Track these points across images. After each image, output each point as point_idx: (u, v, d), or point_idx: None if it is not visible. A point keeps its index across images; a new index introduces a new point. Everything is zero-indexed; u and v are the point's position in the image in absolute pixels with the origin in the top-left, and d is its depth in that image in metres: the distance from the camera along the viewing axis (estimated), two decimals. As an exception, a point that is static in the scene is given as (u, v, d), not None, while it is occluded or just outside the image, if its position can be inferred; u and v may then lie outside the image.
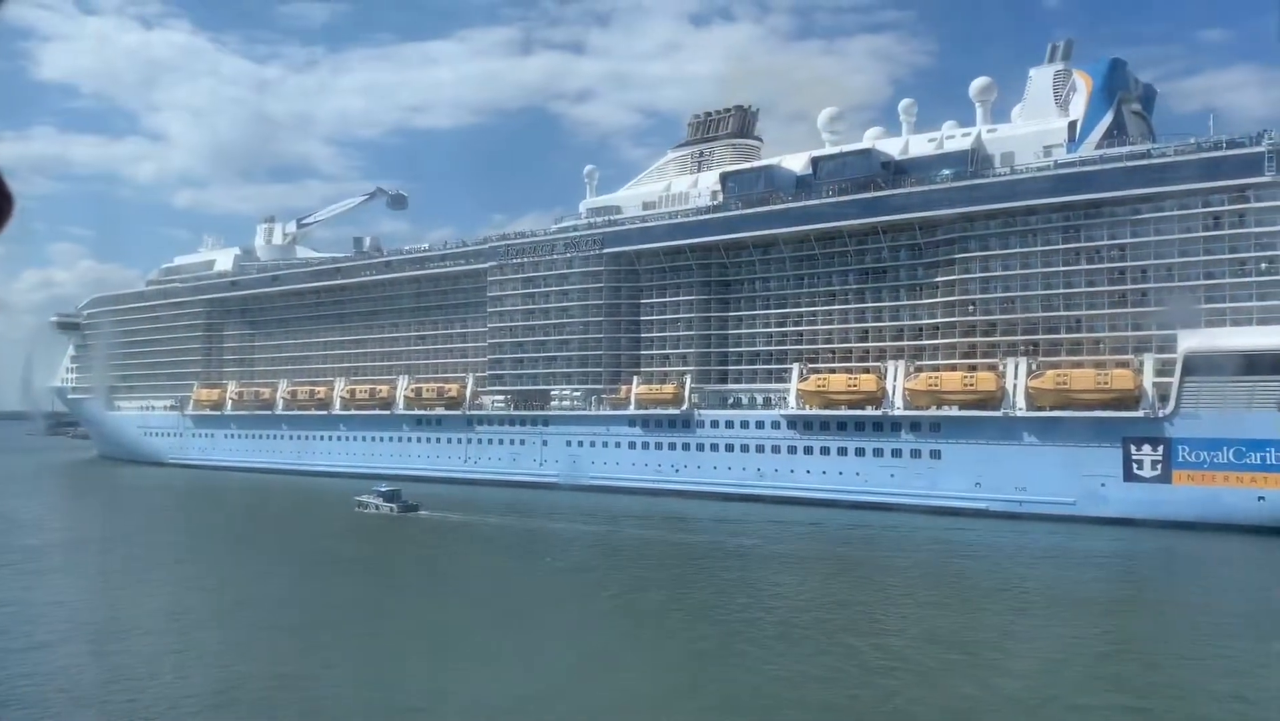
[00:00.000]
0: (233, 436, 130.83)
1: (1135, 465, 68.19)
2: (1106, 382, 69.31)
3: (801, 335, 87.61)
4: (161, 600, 47.64)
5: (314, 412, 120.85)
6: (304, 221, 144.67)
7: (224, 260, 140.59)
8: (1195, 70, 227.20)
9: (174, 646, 38.66)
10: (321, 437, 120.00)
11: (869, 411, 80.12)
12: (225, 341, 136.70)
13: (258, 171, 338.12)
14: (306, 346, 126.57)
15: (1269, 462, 63.74)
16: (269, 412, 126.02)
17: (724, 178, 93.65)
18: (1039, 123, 79.35)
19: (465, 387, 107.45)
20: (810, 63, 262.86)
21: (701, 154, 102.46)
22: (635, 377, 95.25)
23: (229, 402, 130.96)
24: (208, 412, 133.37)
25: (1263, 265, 66.91)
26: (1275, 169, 66.02)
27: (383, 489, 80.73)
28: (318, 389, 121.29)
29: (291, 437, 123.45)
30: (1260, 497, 63.68)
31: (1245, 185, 67.33)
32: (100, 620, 43.77)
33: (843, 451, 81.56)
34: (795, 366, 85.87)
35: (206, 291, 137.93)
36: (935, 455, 76.72)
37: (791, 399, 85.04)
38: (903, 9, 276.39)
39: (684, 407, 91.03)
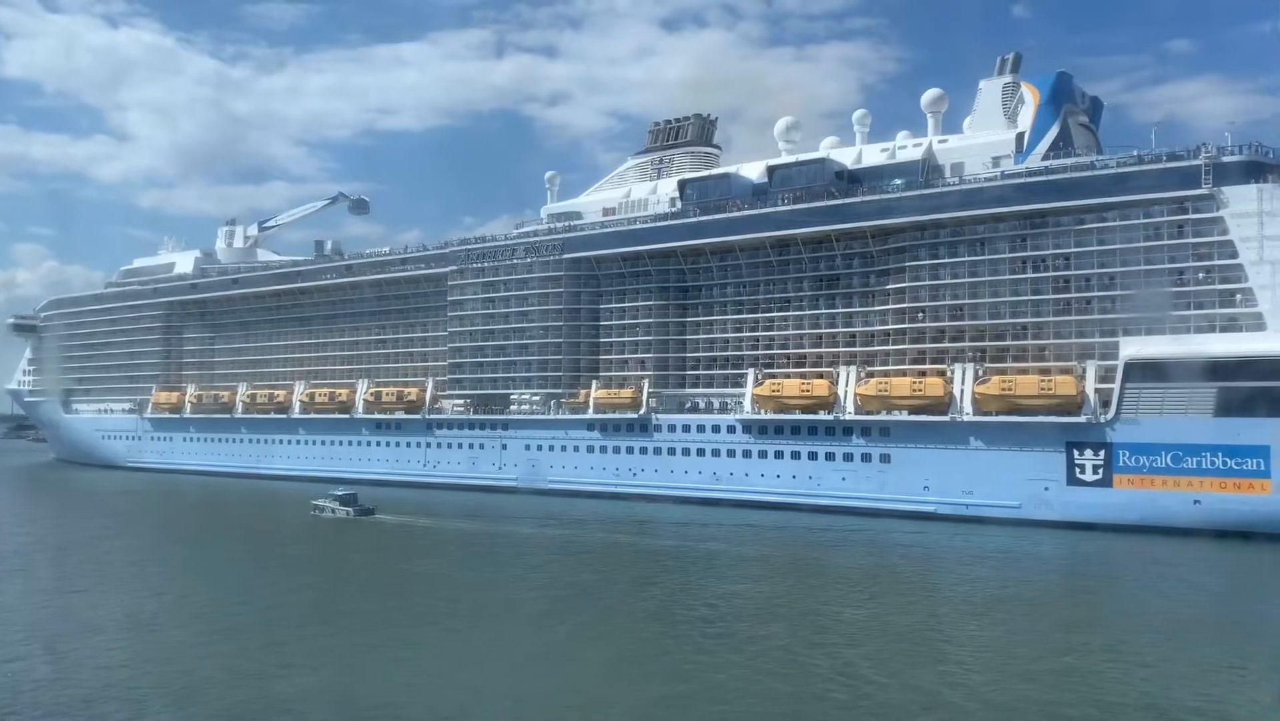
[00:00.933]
0: (191, 439, 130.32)
1: (1078, 469, 69.85)
2: (1050, 389, 70.96)
3: (758, 340, 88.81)
4: (116, 605, 47.31)
5: (273, 416, 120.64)
6: (265, 225, 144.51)
7: (184, 263, 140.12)
8: (1162, 80, 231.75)
9: (129, 651, 38.35)
10: (281, 441, 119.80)
11: (821, 416, 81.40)
12: (185, 344, 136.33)
13: (225, 172, 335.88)
14: (267, 349, 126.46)
15: (1204, 467, 65.55)
16: (228, 416, 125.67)
17: (682, 185, 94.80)
18: (988, 134, 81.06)
19: (425, 391, 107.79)
20: (782, 69, 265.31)
21: (661, 161, 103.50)
22: (594, 382, 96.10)
23: (188, 406, 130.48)
24: (166, 416, 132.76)
25: (1200, 275, 68.81)
26: (1212, 182, 67.96)
27: (339, 492, 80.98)
28: (277, 392, 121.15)
29: (251, 441, 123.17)
30: (1196, 501, 65.45)
31: (1184, 197, 69.23)
32: (54, 626, 43.30)
33: (796, 455, 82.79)
34: (751, 371, 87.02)
35: (166, 294, 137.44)
36: (885, 459, 78.12)
37: (747, 403, 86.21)
38: (873, 17, 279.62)
39: (642, 412, 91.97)
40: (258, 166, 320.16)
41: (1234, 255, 67.35)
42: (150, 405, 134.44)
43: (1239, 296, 67.32)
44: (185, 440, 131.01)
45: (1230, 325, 67.47)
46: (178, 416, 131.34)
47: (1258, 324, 66.30)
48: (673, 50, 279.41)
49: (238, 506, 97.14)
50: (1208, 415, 65.53)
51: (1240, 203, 67.21)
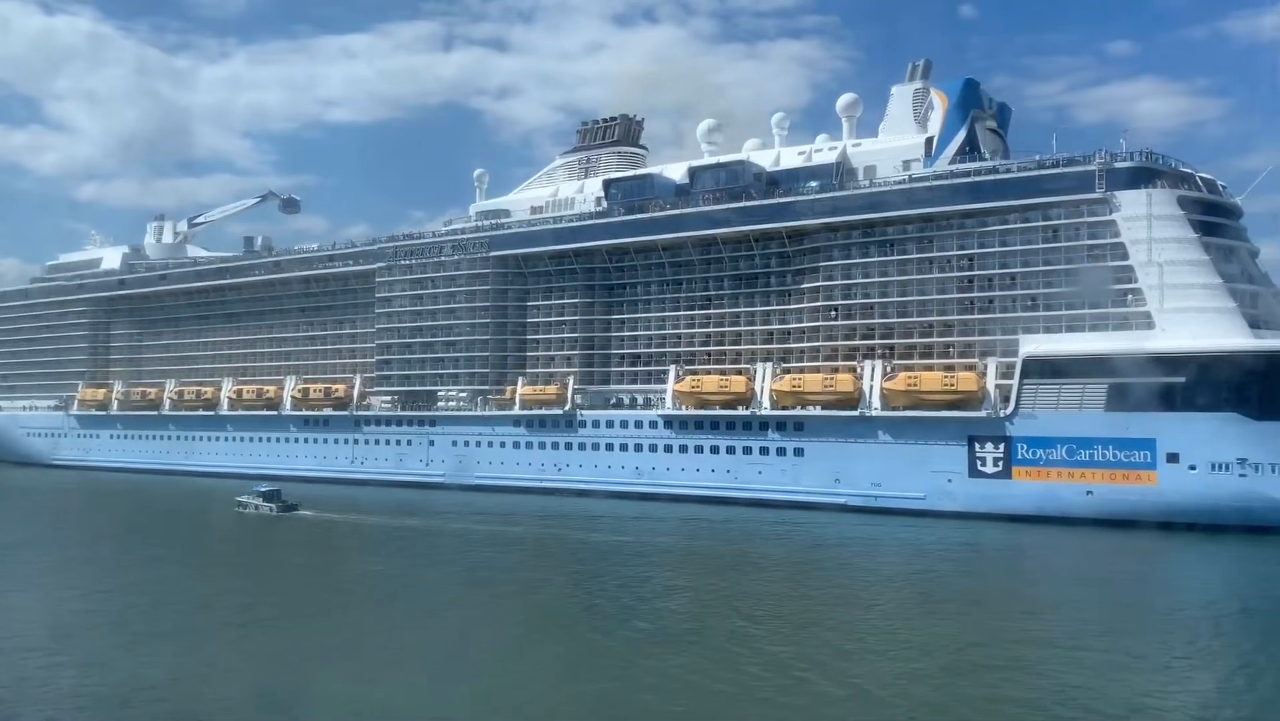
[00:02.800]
0: (118, 437, 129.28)
1: (979, 462, 72.68)
2: (952, 384, 73.74)
3: (680, 338, 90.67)
4: (32, 608, 46.93)
5: (201, 413, 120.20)
6: (195, 221, 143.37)
7: (112, 258, 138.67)
8: (1104, 81, 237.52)
9: (47, 655, 37.32)
10: (208, 438, 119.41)
11: (739, 411, 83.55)
12: (112, 341, 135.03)
13: (166, 165, 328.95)
14: (195, 346, 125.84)
15: (1096, 459, 68.67)
16: (155, 413, 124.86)
17: (607, 184, 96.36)
18: (899, 138, 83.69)
19: (353, 388, 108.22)
20: (733, 66, 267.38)
21: (589, 160, 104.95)
22: (520, 379, 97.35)
23: (115, 402, 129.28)
24: (93, 413, 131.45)
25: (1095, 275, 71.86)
26: (1105, 187, 71.09)
27: (262, 489, 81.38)
28: (205, 389, 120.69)
29: (178, 438, 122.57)
30: (1089, 492, 68.54)
31: (1079, 200, 72.29)
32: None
33: (715, 450, 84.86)
34: (673, 368, 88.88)
35: (93, 290, 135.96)
36: (799, 453, 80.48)
37: (668, 399, 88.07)
38: (825, 14, 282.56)
39: (567, 408, 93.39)
40: (200, 159, 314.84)
41: (1125, 257, 70.47)
42: (76, 402, 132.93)
43: (1130, 296, 70.47)
44: (111, 437, 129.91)
45: (1122, 324, 70.56)
46: (104, 413, 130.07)
47: (1147, 323, 69.42)
48: (624, 45, 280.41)
49: (162, 504, 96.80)
50: (1099, 410, 68.63)
51: (1131, 207, 70.37)
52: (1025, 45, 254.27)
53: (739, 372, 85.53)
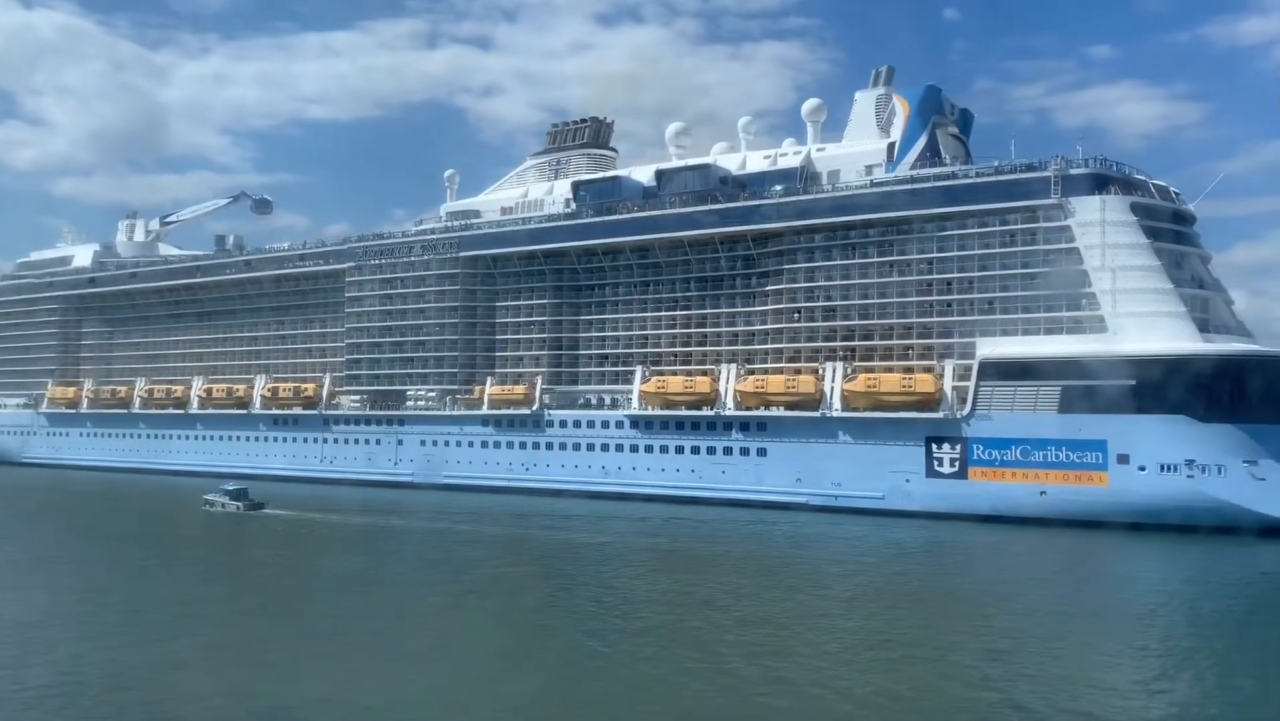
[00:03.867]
0: (88, 435, 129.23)
1: (936, 462, 73.99)
2: (911, 386, 75.02)
3: (646, 339, 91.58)
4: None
5: (171, 411, 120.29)
6: (167, 219, 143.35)
7: (83, 256, 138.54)
8: (1085, 85, 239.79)
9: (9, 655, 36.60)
10: (178, 437, 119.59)
11: (703, 412, 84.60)
12: (82, 339, 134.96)
13: (146, 161, 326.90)
14: (165, 345, 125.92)
15: (1050, 460, 70.08)
16: (125, 411, 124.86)
17: (575, 186, 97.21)
18: (862, 143, 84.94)
19: (322, 387, 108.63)
20: (717, 67, 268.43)
21: (559, 162, 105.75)
22: (489, 378, 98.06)
23: (85, 401, 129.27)
24: (63, 411, 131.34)
25: (1050, 279, 73.26)
26: (1060, 192, 72.54)
27: (229, 487, 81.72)
28: (175, 388, 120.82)
29: (148, 436, 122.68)
30: (1042, 492, 69.91)
31: (1035, 206, 73.74)
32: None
33: (680, 450, 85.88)
34: (639, 369, 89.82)
35: (63, 288, 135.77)
36: (762, 453, 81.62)
37: (634, 400, 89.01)
38: (809, 17, 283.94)
39: (535, 408, 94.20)
40: (180, 155, 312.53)
41: (1080, 262, 71.88)
42: (46, 400, 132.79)
43: (1084, 300, 71.92)
44: (81, 435, 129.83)
45: (1076, 327, 72.02)
46: (74, 412, 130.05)
47: (1100, 326, 70.91)
48: (608, 45, 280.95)
49: (129, 501, 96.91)
50: (1053, 412, 70.06)
51: (1085, 212, 71.85)
52: (1008, 48, 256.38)
53: (704, 374, 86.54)
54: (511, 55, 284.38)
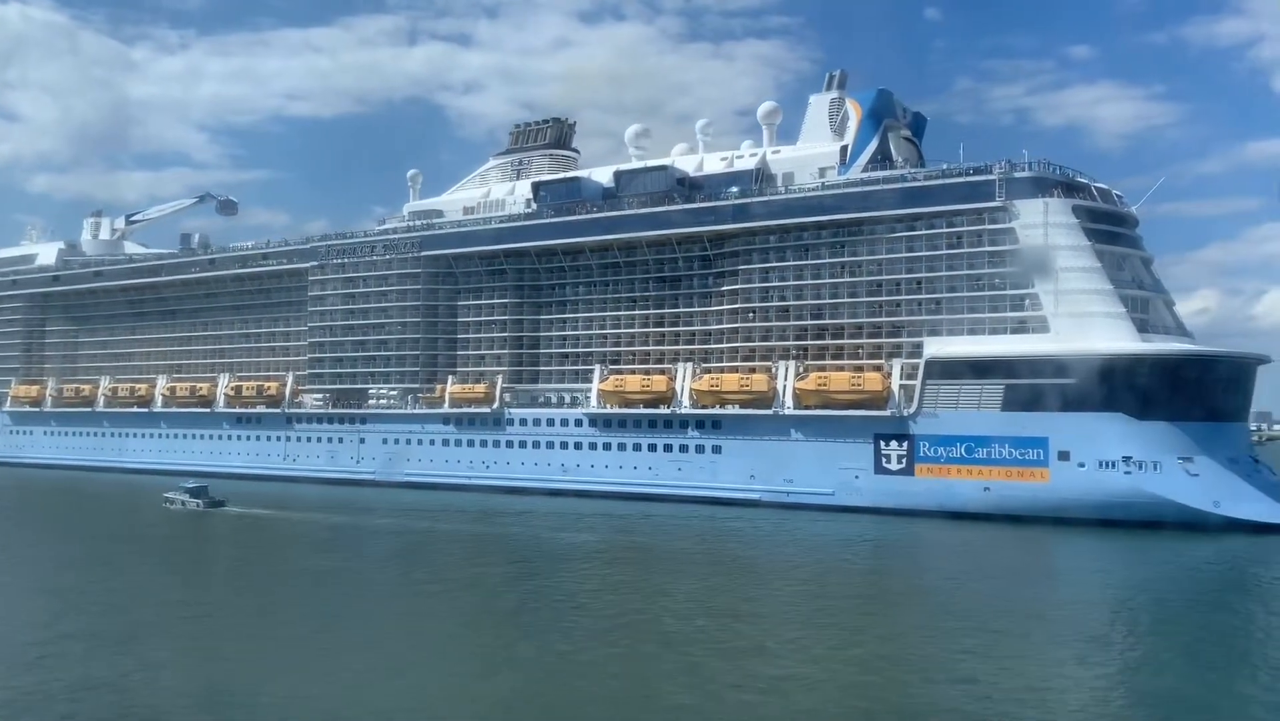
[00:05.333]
0: (52, 433, 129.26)
1: (884, 459, 75.66)
2: (860, 385, 76.63)
3: (605, 338, 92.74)
4: None
5: (135, 410, 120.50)
6: (133, 218, 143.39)
7: (47, 254, 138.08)
8: (1064, 85, 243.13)
9: None
10: (142, 435, 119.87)
11: (660, 410, 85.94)
12: (46, 337, 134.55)
13: (122, 157, 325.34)
14: (129, 343, 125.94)
15: (993, 457, 71.88)
16: (89, 410, 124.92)
17: (536, 187, 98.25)
18: (816, 146, 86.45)
19: (285, 386, 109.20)
20: (698, 65, 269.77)
21: (521, 162, 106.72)
22: (450, 377, 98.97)
23: (48, 399, 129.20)
24: (26, 409, 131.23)
25: (994, 280, 75.10)
26: (1005, 196, 74.30)
27: (189, 485, 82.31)
28: (139, 386, 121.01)
29: (112, 435, 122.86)
30: (986, 488, 71.71)
31: (981, 209, 75.46)
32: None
33: (637, 447, 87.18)
34: (598, 367, 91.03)
35: (27, 286, 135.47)
36: (716, 450, 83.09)
37: (593, 398, 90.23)
38: (790, 15, 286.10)
39: (495, 406, 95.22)
40: (157, 152, 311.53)
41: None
42: (9, 399, 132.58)
43: (1027, 301, 73.75)
44: (45, 434, 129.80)
45: (1020, 327, 73.85)
46: (37, 410, 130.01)
47: (1043, 326, 72.75)
48: (590, 43, 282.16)
49: (91, 499, 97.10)
50: (996, 410, 71.84)
51: (1029, 215, 73.65)
52: (988, 48, 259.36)
53: (662, 372, 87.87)
54: (492, 52, 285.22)
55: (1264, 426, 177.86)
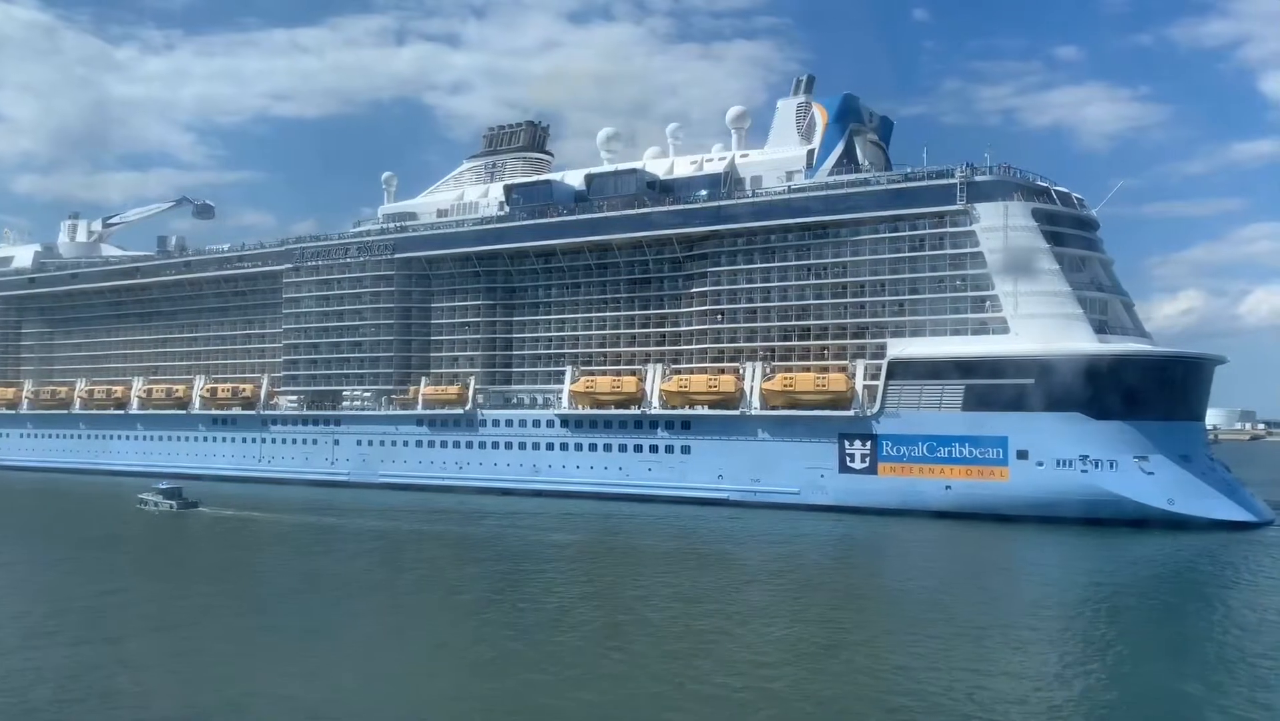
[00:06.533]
0: (28, 435, 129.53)
1: (849, 458, 76.85)
2: (824, 385, 77.79)
3: (577, 339, 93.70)
4: None
5: (111, 412, 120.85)
6: (110, 221, 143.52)
7: (23, 256, 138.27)
8: (1051, 85, 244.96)
9: None
10: (118, 437, 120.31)
11: (630, 411, 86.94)
12: (22, 339, 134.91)
13: (107, 158, 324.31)
14: (106, 345, 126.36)
15: (954, 456, 73.11)
16: (65, 412, 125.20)
17: (508, 189, 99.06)
18: (783, 150, 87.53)
19: (260, 388, 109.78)
20: (688, 66, 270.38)
21: (495, 165, 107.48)
22: (424, 379, 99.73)
23: (25, 401, 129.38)
24: (2, 412, 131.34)
25: (956, 282, 76.36)
26: (966, 199, 75.55)
27: (163, 486, 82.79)
28: (115, 388, 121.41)
29: (88, 437, 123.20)
30: (947, 486, 72.97)
31: (943, 212, 76.72)
32: None
33: (608, 448, 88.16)
34: (569, 369, 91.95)
35: (3, 288, 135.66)
36: (685, 450, 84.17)
37: (564, 399, 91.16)
38: (779, 16, 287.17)
39: (468, 407, 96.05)
40: (143, 153, 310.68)
41: (984, 265, 74.98)
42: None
43: (988, 303, 75.02)
44: (21, 436, 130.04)
45: (981, 328, 75.14)
46: (13, 412, 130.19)
47: (1003, 327, 74.05)
48: (578, 43, 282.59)
49: (65, 501, 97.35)
50: (957, 409, 73.07)
51: (989, 218, 74.95)
52: (976, 49, 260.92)
53: (632, 374, 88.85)
54: (481, 52, 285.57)
55: (1219, 426, 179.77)
